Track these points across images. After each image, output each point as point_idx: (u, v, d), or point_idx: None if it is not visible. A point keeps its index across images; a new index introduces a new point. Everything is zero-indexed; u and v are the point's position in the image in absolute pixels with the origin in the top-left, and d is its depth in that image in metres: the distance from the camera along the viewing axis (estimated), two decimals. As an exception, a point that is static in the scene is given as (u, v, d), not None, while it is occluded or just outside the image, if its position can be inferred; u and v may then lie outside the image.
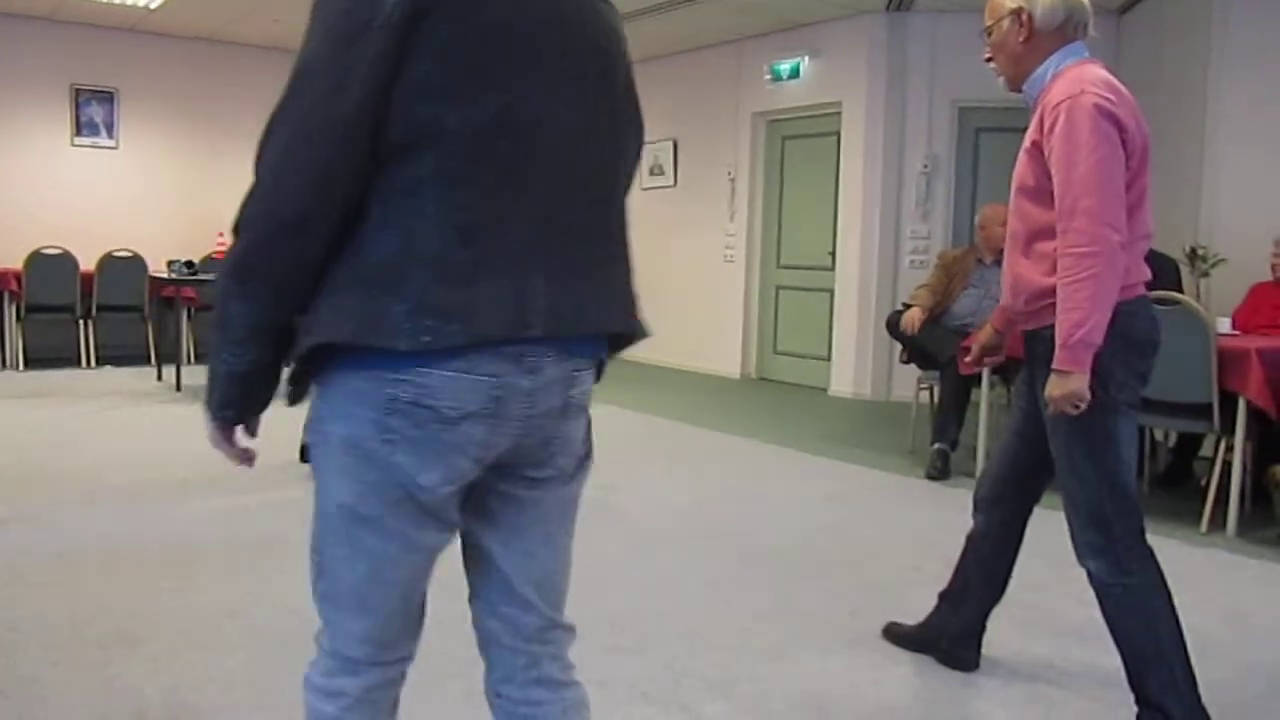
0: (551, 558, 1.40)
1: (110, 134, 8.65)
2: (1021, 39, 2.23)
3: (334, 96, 1.12)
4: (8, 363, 7.74)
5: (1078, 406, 2.10)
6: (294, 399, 1.28)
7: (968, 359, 2.70)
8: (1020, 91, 2.30)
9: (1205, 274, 5.09)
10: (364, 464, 1.19)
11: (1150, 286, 2.25)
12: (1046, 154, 2.14)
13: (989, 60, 2.34)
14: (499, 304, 1.17)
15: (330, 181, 1.14)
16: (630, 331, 1.36)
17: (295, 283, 1.18)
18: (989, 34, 2.31)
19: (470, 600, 1.43)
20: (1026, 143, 2.22)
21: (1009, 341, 2.64)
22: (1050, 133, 2.12)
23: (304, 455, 4.53)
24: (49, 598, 2.97)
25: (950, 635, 2.65)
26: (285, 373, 1.28)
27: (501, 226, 1.18)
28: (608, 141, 1.31)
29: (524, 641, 1.39)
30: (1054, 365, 2.10)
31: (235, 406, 1.27)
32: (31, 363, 7.77)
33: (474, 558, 1.39)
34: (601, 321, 1.31)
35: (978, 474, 4.31)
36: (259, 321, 1.20)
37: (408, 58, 1.12)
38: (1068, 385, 2.09)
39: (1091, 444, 2.18)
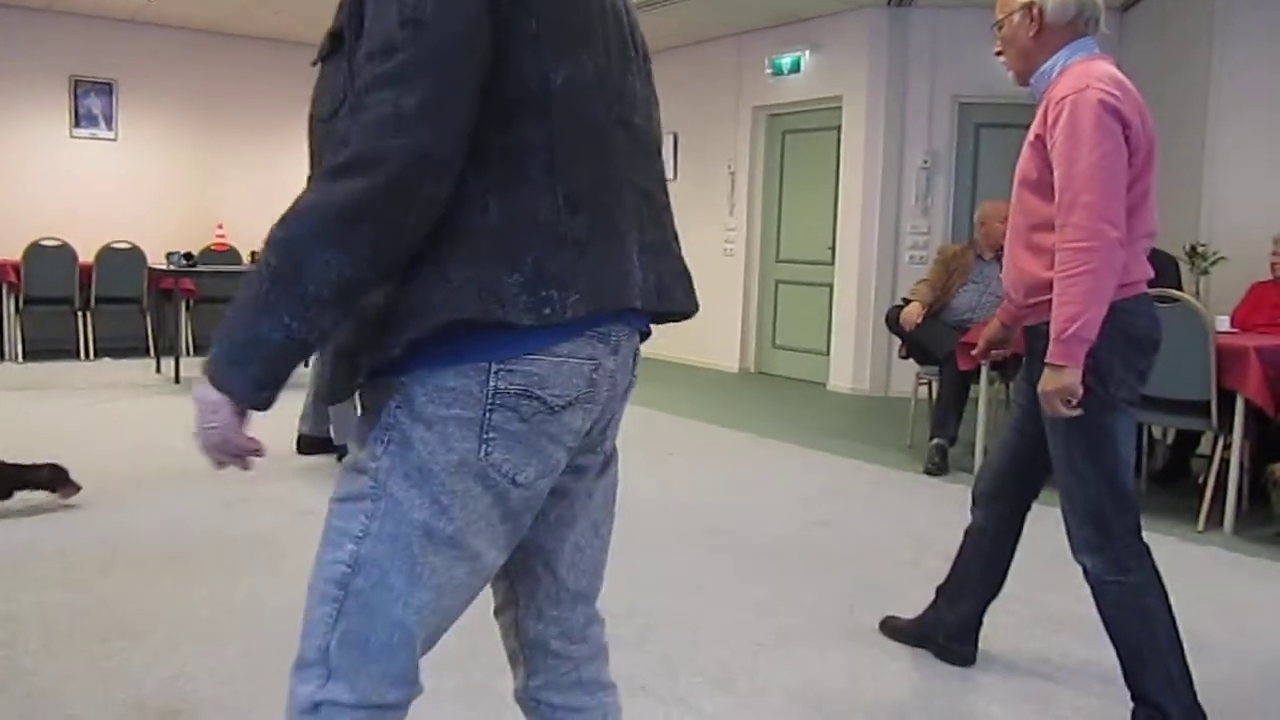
0: (600, 548, 1.36)
1: (109, 125, 8.62)
2: (1032, 33, 2.23)
3: (466, 43, 1.03)
4: (7, 354, 7.73)
5: (1069, 402, 2.11)
6: (345, 394, 1.14)
7: (974, 352, 2.71)
8: (1029, 86, 2.30)
9: (1205, 272, 5.10)
10: (453, 471, 1.09)
11: (1151, 284, 2.25)
12: (1049, 148, 2.14)
13: (999, 54, 2.34)
14: (612, 273, 1.13)
15: (467, 131, 1.04)
16: (689, 310, 1.30)
17: (405, 241, 1.04)
18: (999, 28, 2.31)
19: (503, 610, 1.37)
20: (1030, 136, 2.22)
21: (1015, 337, 2.64)
22: (1054, 127, 2.12)
23: (300, 446, 4.54)
24: (48, 590, 2.98)
25: (948, 630, 2.66)
26: (321, 367, 1.15)
27: (603, 194, 1.14)
28: (655, 111, 1.29)
29: (570, 643, 1.35)
30: (1047, 359, 2.11)
31: (278, 388, 1.06)
32: (30, 354, 7.76)
33: (521, 562, 1.30)
34: (676, 296, 1.25)
35: (976, 469, 4.31)
36: (353, 279, 1.02)
37: (521, 9, 1.07)
38: (1060, 380, 2.09)
39: (1090, 441, 2.18)
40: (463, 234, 1.06)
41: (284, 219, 1.03)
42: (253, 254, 8.44)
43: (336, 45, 1.11)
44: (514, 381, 1.08)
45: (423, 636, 1.15)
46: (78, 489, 3.77)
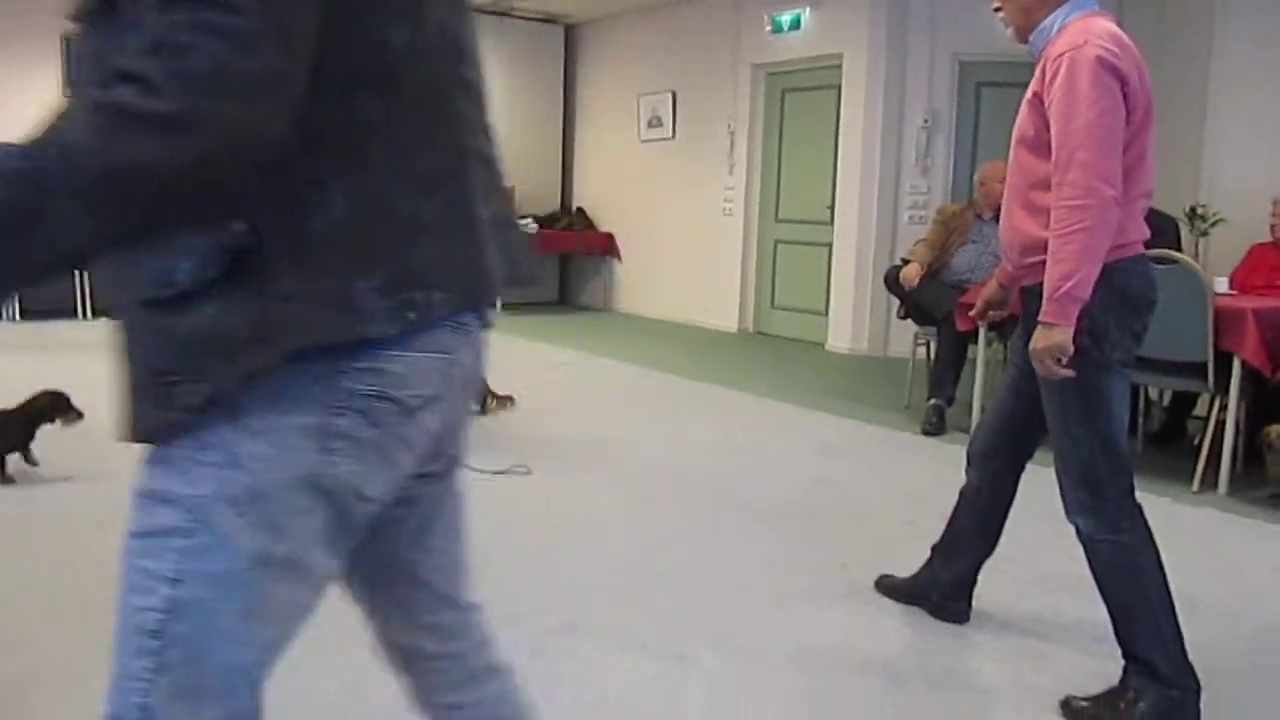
0: (458, 542, 1.26)
1: (103, 83, 8.54)
2: None
3: (304, 6, 0.84)
4: (4, 314, 7.72)
5: (1060, 360, 2.11)
6: (162, 430, 0.94)
7: (972, 313, 2.71)
8: (1027, 43, 2.28)
9: (1204, 233, 5.09)
10: (293, 488, 0.93)
11: (1149, 245, 2.24)
12: (1047, 105, 2.13)
13: (997, 10, 2.31)
14: (472, 263, 1.01)
15: (297, 103, 0.84)
16: (535, 282, 1.21)
17: (170, 230, 0.85)
18: None
19: (369, 624, 1.27)
20: (1028, 94, 2.20)
21: (1013, 297, 2.64)
22: (1051, 83, 2.10)
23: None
24: (51, 553, 3.00)
25: (942, 588, 2.69)
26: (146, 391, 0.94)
27: (453, 172, 1.00)
28: (479, 60, 1.12)
29: (449, 641, 1.26)
30: (1039, 317, 2.10)
31: None
32: (28, 314, 7.74)
33: (381, 577, 1.21)
34: (523, 271, 1.13)
35: (972, 429, 4.33)
36: (84, 252, 0.81)
37: None
38: (1051, 338, 2.09)
39: (1084, 403, 2.18)
40: (302, 236, 0.89)
41: (30, 147, 0.78)
42: None
43: (107, 2, 0.88)
44: (367, 382, 0.93)
45: (268, 669, 1.02)
46: (80, 415, 3.65)
